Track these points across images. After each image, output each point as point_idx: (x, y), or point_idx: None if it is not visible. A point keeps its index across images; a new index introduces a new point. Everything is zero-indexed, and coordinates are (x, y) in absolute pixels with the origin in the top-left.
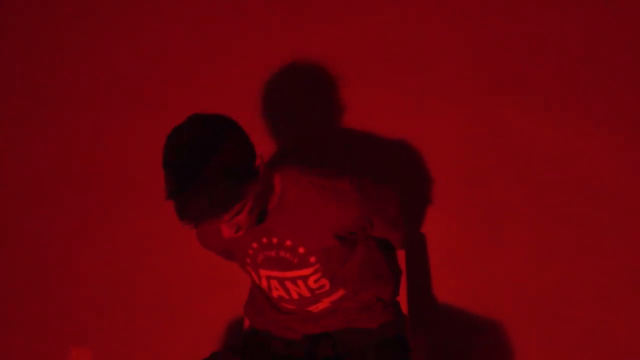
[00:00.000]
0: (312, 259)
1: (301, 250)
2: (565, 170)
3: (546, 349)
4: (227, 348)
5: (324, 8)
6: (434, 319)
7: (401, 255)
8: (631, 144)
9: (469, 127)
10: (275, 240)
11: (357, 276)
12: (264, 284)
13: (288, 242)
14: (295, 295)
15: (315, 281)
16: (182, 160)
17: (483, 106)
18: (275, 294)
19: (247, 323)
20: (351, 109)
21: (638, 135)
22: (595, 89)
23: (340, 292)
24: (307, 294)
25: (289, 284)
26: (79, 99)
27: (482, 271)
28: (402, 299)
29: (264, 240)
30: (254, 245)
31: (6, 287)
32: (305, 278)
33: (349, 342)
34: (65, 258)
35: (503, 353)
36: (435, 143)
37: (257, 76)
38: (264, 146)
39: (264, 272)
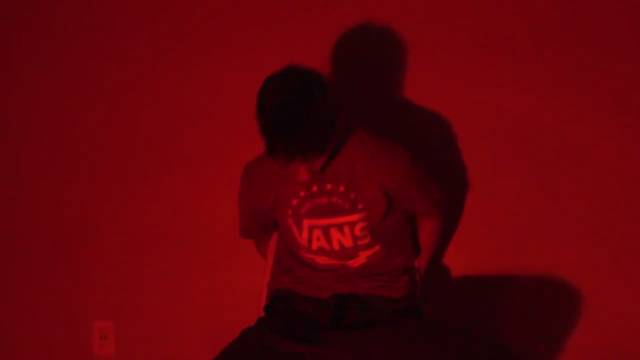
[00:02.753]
0: (360, 206)
1: (352, 195)
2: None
3: (551, 317)
4: (256, 323)
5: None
6: (446, 293)
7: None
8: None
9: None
10: (329, 186)
11: (392, 237)
12: (305, 235)
13: (341, 188)
14: (336, 246)
15: (362, 229)
16: (282, 106)
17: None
18: (315, 245)
19: (264, 294)
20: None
21: None
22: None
23: (377, 248)
24: (349, 243)
25: (333, 232)
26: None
27: (492, 244)
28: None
29: (314, 188)
30: (302, 194)
31: (31, 264)
32: (352, 224)
33: (374, 308)
34: (88, 234)
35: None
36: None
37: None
38: None
39: (307, 222)
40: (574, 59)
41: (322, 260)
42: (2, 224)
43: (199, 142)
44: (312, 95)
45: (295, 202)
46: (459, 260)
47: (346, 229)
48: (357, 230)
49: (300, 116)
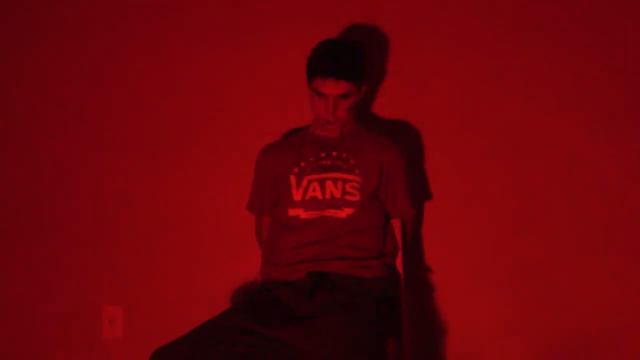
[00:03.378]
0: (357, 171)
1: (352, 161)
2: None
3: (530, 310)
4: (241, 304)
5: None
6: (427, 284)
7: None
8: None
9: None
10: (335, 153)
11: (375, 217)
12: (301, 189)
13: (344, 155)
14: (327, 195)
15: (352, 187)
16: (338, 41)
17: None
18: (309, 195)
19: (259, 276)
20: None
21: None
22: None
23: (357, 211)
24: (338, 194)
25: (329, 184)
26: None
27: (474, 243)
28: (399, 262)
29: (323, 154)
30: (311, 158)
31: (47, 252)
32: (345, 181)
33: (344, 286)
34: (100, 225)
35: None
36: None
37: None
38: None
39: (308, 177)
40: (557, 63)
41: (305, 214)
42: (20, 214)
43: (207, 142)
44: (358, 46)
45: (303, 164)
46: (446, 257)
47: (339, 183)
48: (348, 187)
49: (352, 48)
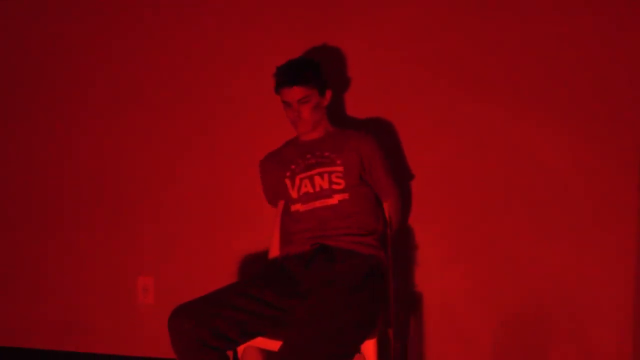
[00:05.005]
0: (339, 162)
1: (334, 156)
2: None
3: (493, 281)
4: (250, 275)
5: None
6: (411, 259)
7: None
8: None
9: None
10: (318, 152)
11: (362, 197)
12: (295, 188)
13: (326, 153)
14: (317, 188)
15: (336, 177)
16: (293, 60)
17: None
18: (303, 191)
19: (270, 255)
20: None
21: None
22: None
23: (347, 196)
24: (326, 185)
25: (317, 178)
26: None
27: (450, 224)
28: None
29: (308, 155)
30: (299, 160)
31: (90, 232)
32: (330, 173)
33: (340, 257)
34: (133, 208)
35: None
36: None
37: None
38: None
39: (299, 176)
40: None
41: (303, 207)
42: (68, 198)
43: (224, 137)
44: (311, 60)
45: (293, 166)
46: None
47: (325, 175)
48: (334, 177)
49: (304, 61)
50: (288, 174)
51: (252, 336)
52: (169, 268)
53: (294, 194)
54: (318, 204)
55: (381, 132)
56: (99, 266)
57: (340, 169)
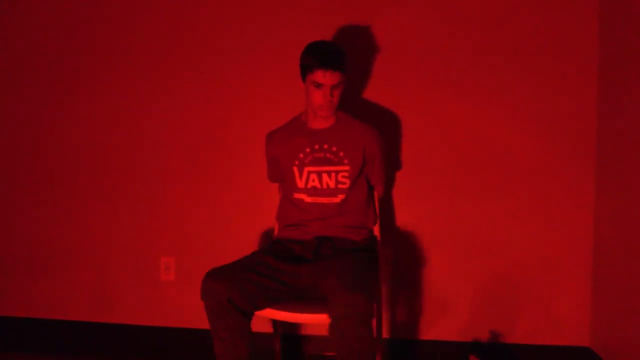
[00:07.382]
0: (346, 160)
1: (341, 154)
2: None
3: (473, 258)
4: (261, 249)
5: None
6: (397, 241)
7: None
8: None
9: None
10: (326, 146)
11: (360, 201)
12: (303, 178)
13: (334, 148)
14: (324, 185)
15: (343, 177)
16: (330, 42)
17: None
18: (310, 185)
19: (275, 232)
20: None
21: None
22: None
23: (349, 195)
24: (333, 185)
25: (325, 176)
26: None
27: (432, 211)
28: (376, 227)
29: (316, 146)
30: (307, 149)
31: (116, 214)
32: (337, 172)
33: (341, 245)
34: (158, 193)
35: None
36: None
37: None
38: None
39: (307, 169)
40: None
41: (309, 199)
42: (104, 188)
43: (236, 135)
44: (340, 46)
45: (301, 155)
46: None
47: (333, 175)
48: (340, 177)
49: (338, 47)
50: (297, 162)
51: (274, 301)
52: (188, 249)
53: (300, 184)
54: (323, 200)
55: (381, 125)
56: (126, 248)
57: (347, 168)
